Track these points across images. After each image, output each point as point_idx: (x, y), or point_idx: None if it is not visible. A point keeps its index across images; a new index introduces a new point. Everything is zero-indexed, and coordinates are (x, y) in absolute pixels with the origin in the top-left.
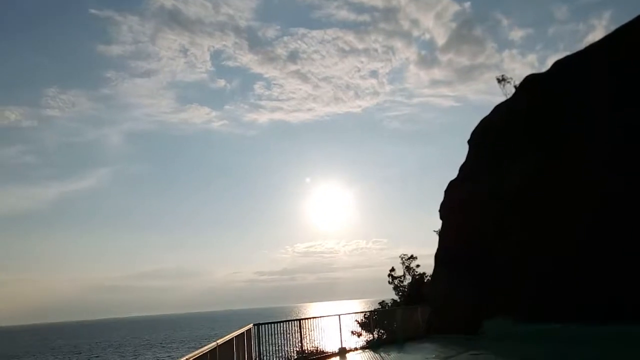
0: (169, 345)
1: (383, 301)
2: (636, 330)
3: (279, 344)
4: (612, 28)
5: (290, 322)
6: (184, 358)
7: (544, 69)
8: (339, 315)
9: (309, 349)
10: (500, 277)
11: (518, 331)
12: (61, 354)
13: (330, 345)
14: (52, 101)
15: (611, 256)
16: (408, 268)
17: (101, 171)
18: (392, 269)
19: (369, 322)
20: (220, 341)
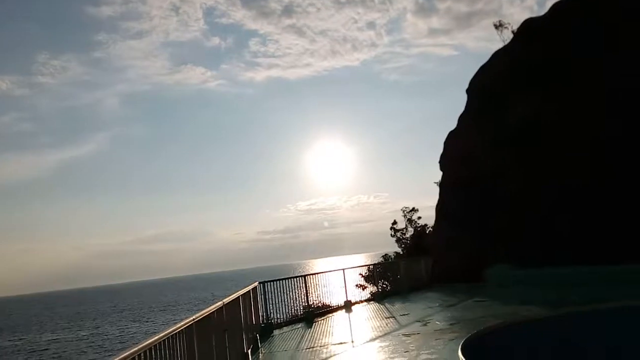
0: (176, 307)
1: (386, 254)
2: (634, 270)
3: (285, 301)
4: None
5: (295, 279)
6: (192, 317)
7: (543, 13)
8: (343, 269)
9: (315, 303)
10: (500, 224)
11: (520, 277)
12: (66, 321)
13: (335, 299)
14: (43, 68)
15: (609, 200)
16: (410, 220)
17: (99, 136)
18: (394, 222)
19: (373, 275)
20: (226, 300)
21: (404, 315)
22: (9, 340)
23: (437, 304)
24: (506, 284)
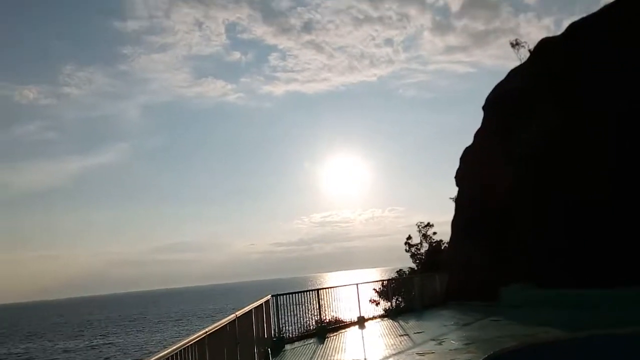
0: (189, 319)
1: (400, 269)
2: None
3: (298, 315)
4: None
5: (308, 292)
6: (204, 330)
7: (559, 32)
8: (357, 284)
9: (327, 318)
10: (517, 242)
11: (536, 297)
12: (78, 329)
13: (348, 314)
14: (69, 79)
15: (631, 221)
16: (425, 236)
17: (120, 145)
18: (409, 237)
19: (387, 291)
20: (239, 313)
21: (418, 333)
22: (19, 348)
23: (452, 323)
24: (522, 304)
